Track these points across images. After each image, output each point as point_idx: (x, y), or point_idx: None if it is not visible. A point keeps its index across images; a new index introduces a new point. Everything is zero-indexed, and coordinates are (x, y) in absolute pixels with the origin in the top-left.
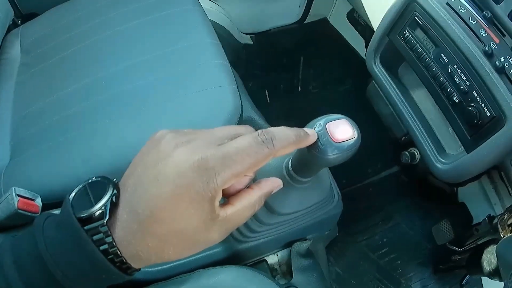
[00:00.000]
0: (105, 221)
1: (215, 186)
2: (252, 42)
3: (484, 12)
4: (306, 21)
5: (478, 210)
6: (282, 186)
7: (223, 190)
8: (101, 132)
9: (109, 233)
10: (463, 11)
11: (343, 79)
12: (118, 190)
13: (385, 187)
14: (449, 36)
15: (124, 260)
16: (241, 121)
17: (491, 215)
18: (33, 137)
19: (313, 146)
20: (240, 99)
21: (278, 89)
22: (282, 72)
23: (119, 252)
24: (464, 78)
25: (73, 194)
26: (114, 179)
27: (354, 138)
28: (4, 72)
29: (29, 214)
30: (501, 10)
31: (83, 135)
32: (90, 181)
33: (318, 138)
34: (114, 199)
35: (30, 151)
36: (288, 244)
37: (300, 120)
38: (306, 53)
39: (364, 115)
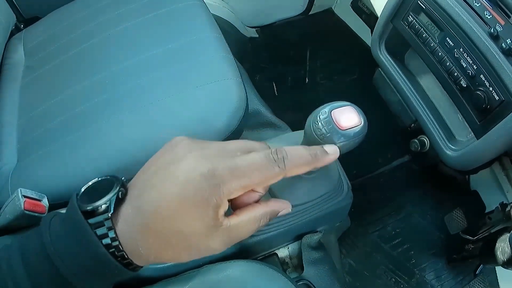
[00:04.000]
0: (109, 215)
1: (221, 194)
2: (257, 35)
3: None
4: (311, 12)
5: (491, 198)
6: (290, 210)
7: (232, 202)
8: (107, 131)
9: (112, 227)
10: None
11: (351, 69)
12: (126, 188)
13: (396, 177)
14: (453, 19)
15: (125, 255)
16: (246, 113)
17: (504, 202)
18: (39, 139)
19: (319, 134)
20: (245, 91)
21: (285, 81)
22: (289, 64)
23: (120, 247)
24: (470, 62)
25: (81, 191)
26: (123, 178)
27: (361, 125)
28: (9, 76)
29: (36, 214)
30: None
31: (88, 134)
32: (99, 179)
33: (323, 125)
34: (120, 195)
35: (37, 153)
36: (299, 237)
37: (308, 111)
38: (312, 44)
39: (373, 104)
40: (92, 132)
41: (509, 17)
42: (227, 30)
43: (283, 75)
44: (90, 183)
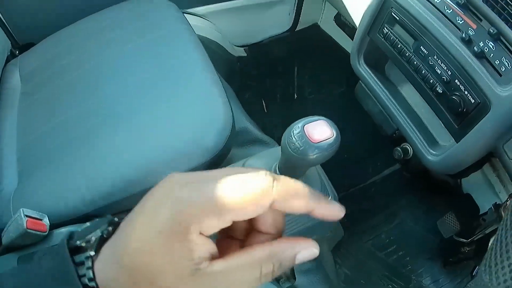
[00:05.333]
0: (90, 254)
1: (190, 233)
2: (245, 54)
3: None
4: (297, 29)
5: (484, 200)
6: (317, 253)
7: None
8: (102, 153)
9: (91, 266)
10: (437, 1)
11: (338, 82)
12: (116, 227)
13: (387, 185)
14: (426, 28)
15: None
16: (233, 132)
17: (497, 203)
18: (38, 162)
19: (293, 148)
20: (232, 110)
21: (274, 97)
22: (278, 81)
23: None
24: (445, 68)
25: (79, 230)
26: (115, 218)
27: (333, 137)
28: (6, 101)
29: (38, 233)
30: None
31: (83, 156)
32: (95, 220)
33: (297, 140)
34: (106, 235)
35: (36, 175)
36: None
37: None
38: (299, 59)
39: (362, 115)
40: (87, 154)
41: (480, 20)
42: (215, 50)
43: (272, 92)
44: (88, 224)
